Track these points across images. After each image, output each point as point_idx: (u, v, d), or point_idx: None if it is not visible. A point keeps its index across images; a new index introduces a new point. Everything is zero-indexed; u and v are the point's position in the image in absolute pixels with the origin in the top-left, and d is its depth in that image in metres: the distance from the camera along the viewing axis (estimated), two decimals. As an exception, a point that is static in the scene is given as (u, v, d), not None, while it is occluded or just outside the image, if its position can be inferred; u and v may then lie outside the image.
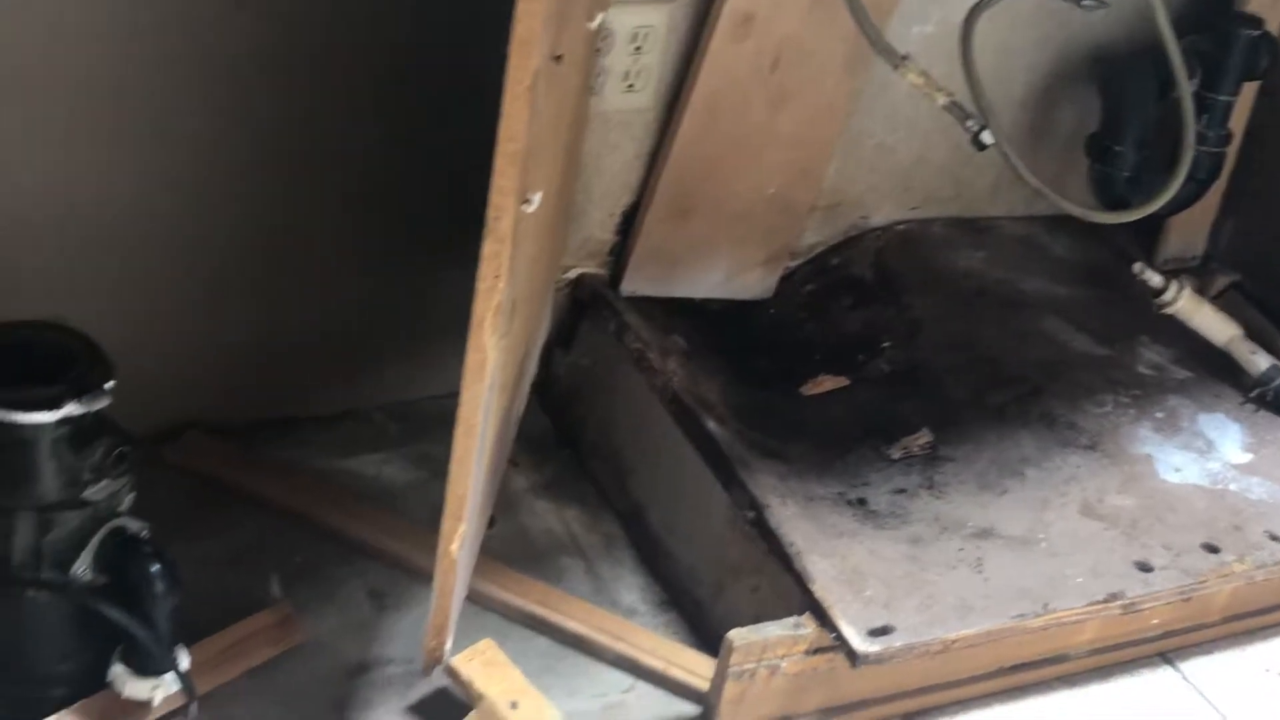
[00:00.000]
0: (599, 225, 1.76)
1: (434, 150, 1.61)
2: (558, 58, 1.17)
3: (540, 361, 1.77)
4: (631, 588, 1.61)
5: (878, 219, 1.95)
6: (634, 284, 1.78)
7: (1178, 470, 1.69)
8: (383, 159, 1.61)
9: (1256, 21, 1.83)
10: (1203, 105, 1.82)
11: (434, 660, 1.35)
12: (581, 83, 1.49)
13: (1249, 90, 1.94)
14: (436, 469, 1.66)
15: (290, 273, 1.63)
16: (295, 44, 1.51)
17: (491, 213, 1.12)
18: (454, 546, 1.24)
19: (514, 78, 1.07)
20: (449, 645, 1.36)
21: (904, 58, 1.62)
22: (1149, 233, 2.03)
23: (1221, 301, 1.95)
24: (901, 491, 1.61)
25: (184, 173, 1.53)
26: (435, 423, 1.73)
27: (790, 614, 1.44)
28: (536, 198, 1.17)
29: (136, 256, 1.55)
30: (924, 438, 1.67)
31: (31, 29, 1.40)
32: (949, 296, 1.91)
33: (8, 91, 1.41)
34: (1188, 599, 1.57)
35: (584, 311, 1.79)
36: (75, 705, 1.32)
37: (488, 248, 1.13)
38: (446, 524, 1.25)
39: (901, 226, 1.96)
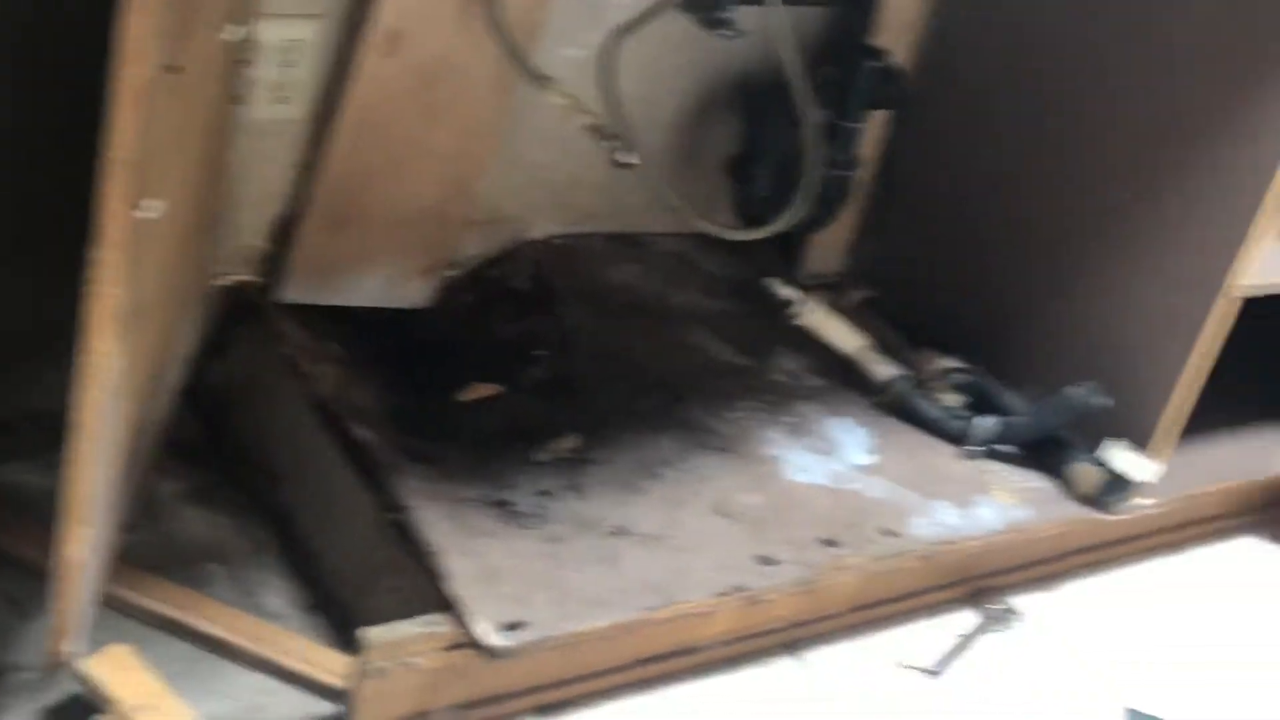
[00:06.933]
0: (251, 233, 1.78)
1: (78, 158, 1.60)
2: (175, 68, 1.19)
3: (194, 369, 1.78)
4: (279, 592, 1.63)
5: (536, 234, 2.02)
6: (291, 292, 1.80)
7: (804, 471, 1.80)
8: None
9: (880, 53, 1.96)
10: (833, 131, 1.95)
11: (56, 663, 1.35)
12: (220, 93, 1.51)
13: (885, 119, 2.09)
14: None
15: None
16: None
17: (105, 219, 1.14)
18: (71, 549, 1.25)
19: (122, 88, 1.09)
20: (71, 648, 1.35)
21: (547, 79, 1.69)
22: (793, 251, 2.16)
23: (857, 316, 2.09)
24: (545, 493, 1.67)
25: None
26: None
27: (431, 612, 1.49)
28: (155, 205, 1.19)
29: None
30: (571, 442, 1.74)
31: None
32: (603, 309, 1.99)
33: None
34: (808, 591, 1.67)
35: (238, 320, 1.80)
36: None
37: (100, 254, 1.15)
38: (66, 527, 1.25)
39: (559, 240, 2.04)
